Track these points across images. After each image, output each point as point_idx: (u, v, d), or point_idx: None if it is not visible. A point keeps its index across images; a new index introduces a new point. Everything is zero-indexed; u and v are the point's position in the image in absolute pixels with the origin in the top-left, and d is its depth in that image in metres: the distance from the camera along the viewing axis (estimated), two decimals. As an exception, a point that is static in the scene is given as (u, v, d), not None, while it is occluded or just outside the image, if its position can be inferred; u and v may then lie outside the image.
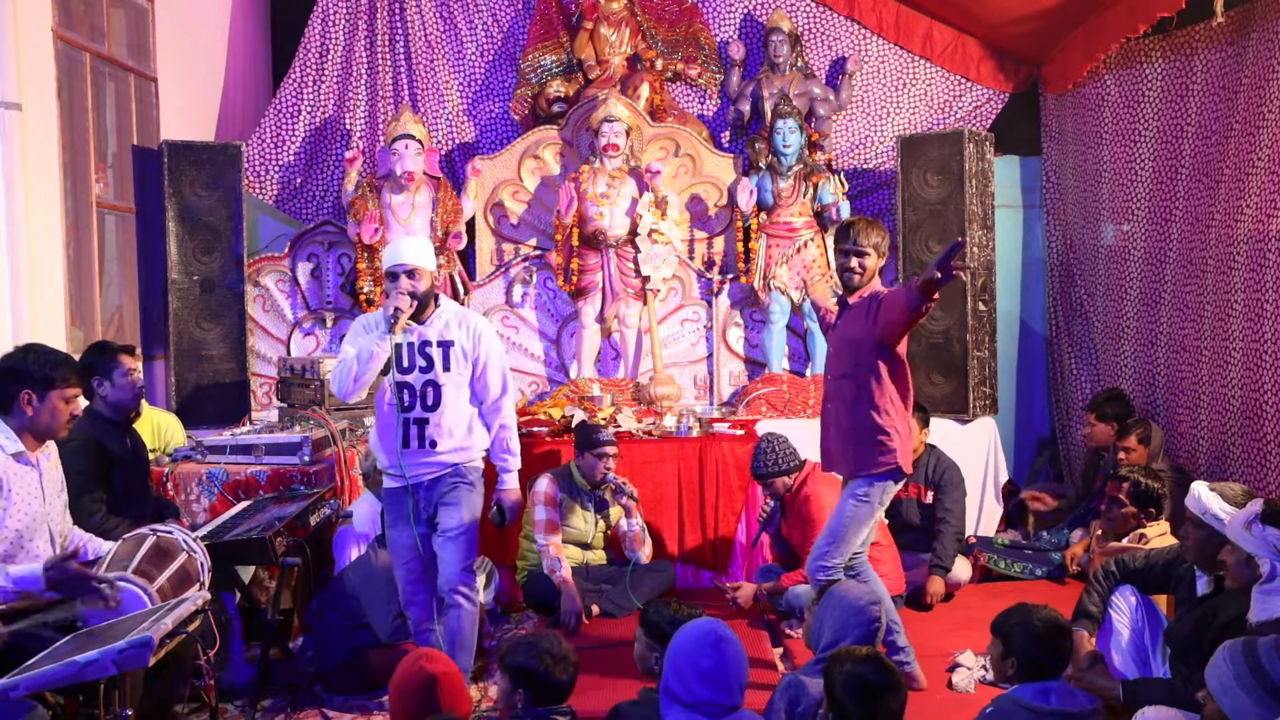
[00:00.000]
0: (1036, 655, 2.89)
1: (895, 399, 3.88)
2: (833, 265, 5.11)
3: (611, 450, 5.04)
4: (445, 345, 3.89)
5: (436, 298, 3.96)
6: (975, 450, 5.87)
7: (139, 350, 5.16)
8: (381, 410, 3.95)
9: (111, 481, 4.01)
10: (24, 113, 4.83)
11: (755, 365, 6.64)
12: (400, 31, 7.22)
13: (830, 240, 6.42)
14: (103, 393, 4.08)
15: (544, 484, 5.03)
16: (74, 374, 3.37)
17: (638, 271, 6.44)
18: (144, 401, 5.04)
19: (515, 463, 4.05)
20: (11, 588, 3.05)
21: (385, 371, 3.92)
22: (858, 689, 2.59)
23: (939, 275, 3.47)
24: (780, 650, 4.57)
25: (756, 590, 4.92)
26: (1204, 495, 3.29)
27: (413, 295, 3.81)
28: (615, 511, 5.16)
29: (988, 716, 2.88)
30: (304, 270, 6.69)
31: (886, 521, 5.20)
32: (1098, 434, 5.46)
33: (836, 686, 2.63)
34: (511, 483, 4.05)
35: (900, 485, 3.98)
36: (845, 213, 6.27)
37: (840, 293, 4.09)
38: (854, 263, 3.92)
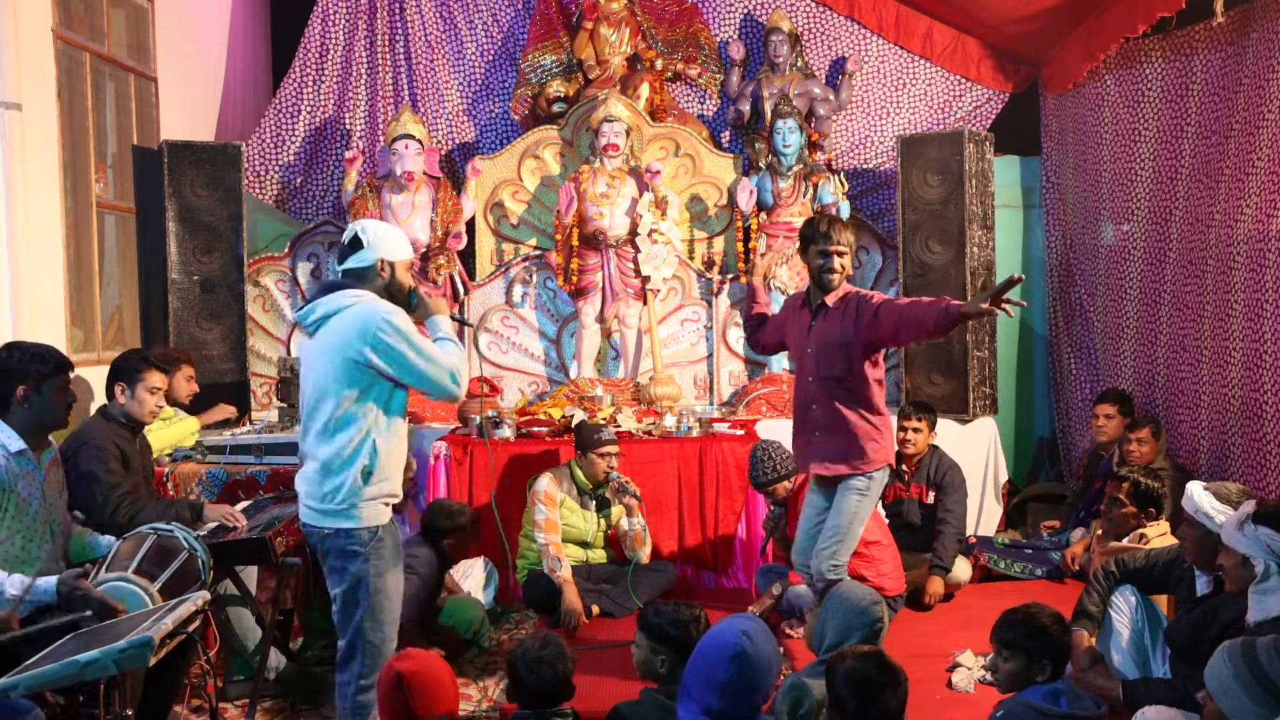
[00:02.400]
0: (1061, 650, 2.93)
1: (880, 397, 3.96)
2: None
3: (613, 449, 5.04)
4: None
5: None
6: (975, 450, 5.87)
7: (188, 366, 5.18)
8: (388, 428, 3.20)
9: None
10: (24, 113, 4.83)
11: (755, 365, 6.64)
12: (400, 31, 7.22)
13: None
14: (122, 401, 4.07)
15: (544, 483, 5.03)
16: (62, 361, 3.39)
17: (638, 271, 6.44)
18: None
19: None
20: (29, 598, 3.04)
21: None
22: (857, 684, 2.59)
23: (987, 309, 3.49)
24: (780, 650, 4.56)
25: (770, 598, 4.87)
26: (1197, 494, 3.30)
27: None
28: (616, 511, 5.16)
29: None
30: (304, 270, 6.69)
31: (887, 521, 5.20)
32: (1113, 427, 5.44)
33: (837, 682, 2.63)
34: None
35: (887, 475, 4.06)
36: (845, 213, 6.27)
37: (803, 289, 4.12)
38: (835, 263, 3.92)
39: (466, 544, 4.70)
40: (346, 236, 3.24)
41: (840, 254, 3.92)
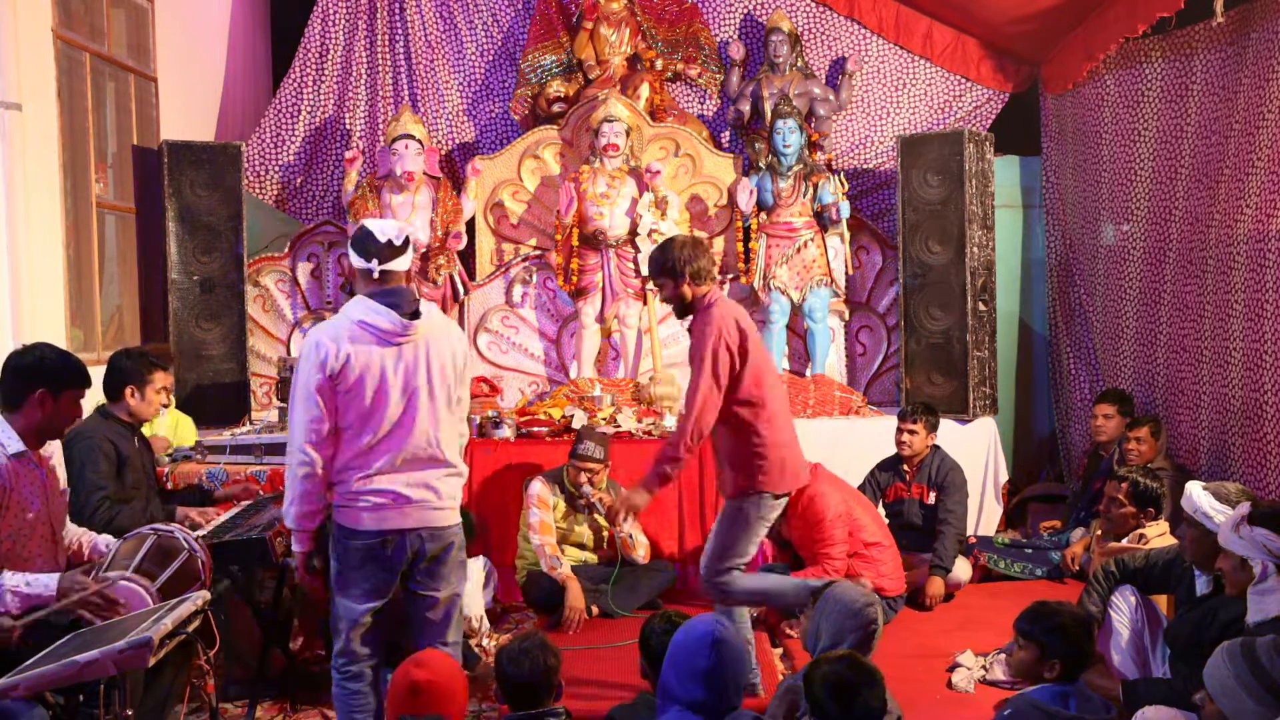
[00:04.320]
0: (1076, 652, 2.92)
1: (764, 420, 3.65)
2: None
3: (590, 464, 5.00)
4: None
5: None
6: (975, 450, 5.87)
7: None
8: None
9: (121, 481, 4.01)
10: (24, 113, 4.84)
11: (755, 365, 6.63)
12: (400, 31, 7.22)
13: (829, 240, 6.42)
14: (133, 402, 4.07)
15: (536, 486, 5.04)
16: (85, 376, 3.37)
17: (638, 271, 6.44)
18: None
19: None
20: (25, 592, 3.04)
21: None
22: (834, 687, 2.60)
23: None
24: (780, 650, 4.57)
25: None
26: (1196, 494, 3.30)
27: None
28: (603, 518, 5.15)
29: (1006, 719, 2.89)
30: (304, 270, 6.69)
31: (888, 521, 5.20)
32: (1112, 427, 5.44)
33: (815, 688, 2.64)
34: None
35: (780, 503, 3.77)
36: (845, 213, 6.27)
37: None
38: (665, 295, 3.75)
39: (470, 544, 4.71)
40: (396, 237, 3.21)
41: (659, 285, 3.73)
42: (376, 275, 3.21)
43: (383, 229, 3.21)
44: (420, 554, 3.20)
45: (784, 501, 3.79)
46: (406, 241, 3.24)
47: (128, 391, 4.07)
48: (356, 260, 3.22)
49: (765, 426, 3.65)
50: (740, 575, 3.76)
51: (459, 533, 3.30)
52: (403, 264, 3.24)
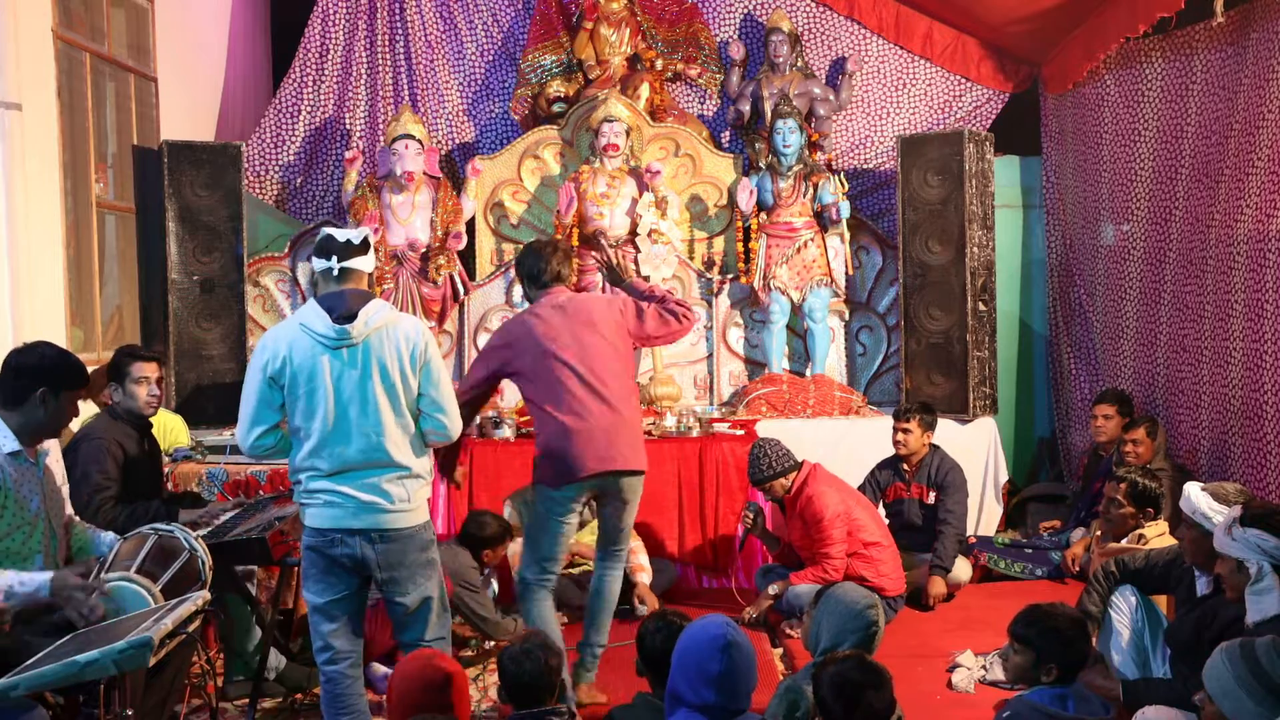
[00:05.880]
0: (1073, 655, 2.93)
1: (538, 418, 3.86)
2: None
3: None
4: None
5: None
6: (975, 450, 5.87)
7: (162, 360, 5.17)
8: None
9: (126, 482, 4.01)
10: (24, 113, 4.84)
11: (755, 365, 6.64)
12: (400, 31, 7.22)
13: (829, 240, 6.42)
14: (116, 398, 4.07)
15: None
16: (85, 376, 3.38)
17: (638, 271, 6.44)
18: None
19: None
20: (19, 594, 3.04)
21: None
22: (840, 687, 2.61)
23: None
24: (780, 651, 4.57)
25: (768, 599, 4.87)
26: (1194, 495, 3.30)
27: None
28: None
29: None
30: (304, 270, 6.67)
31: (888, 522, 5.21)
32: (1111, 427, 5.44)
33: (823, 688, 2.65)
34: None
35: (572, 492, 3.81)
36: (845, 213, 6.26)
37: None
38: None
39: (501, 551, 4.76)
40: (355, 237, 3.29)
41: None
42: (336, 273, 3.27)
43: (343, 231, 3.32)
44: (370, 555, 3.23)
45: (569, 496, 3.80)
46: (366, 242, 3.30)
47: (109, 389, 4.07)
48: (318, 263, 3.30)
49: (537, 424, 3.87)
50: (542, 603, 3.85)
51: (418, 535, 3.30)
52: (363, 264, 3.30)
